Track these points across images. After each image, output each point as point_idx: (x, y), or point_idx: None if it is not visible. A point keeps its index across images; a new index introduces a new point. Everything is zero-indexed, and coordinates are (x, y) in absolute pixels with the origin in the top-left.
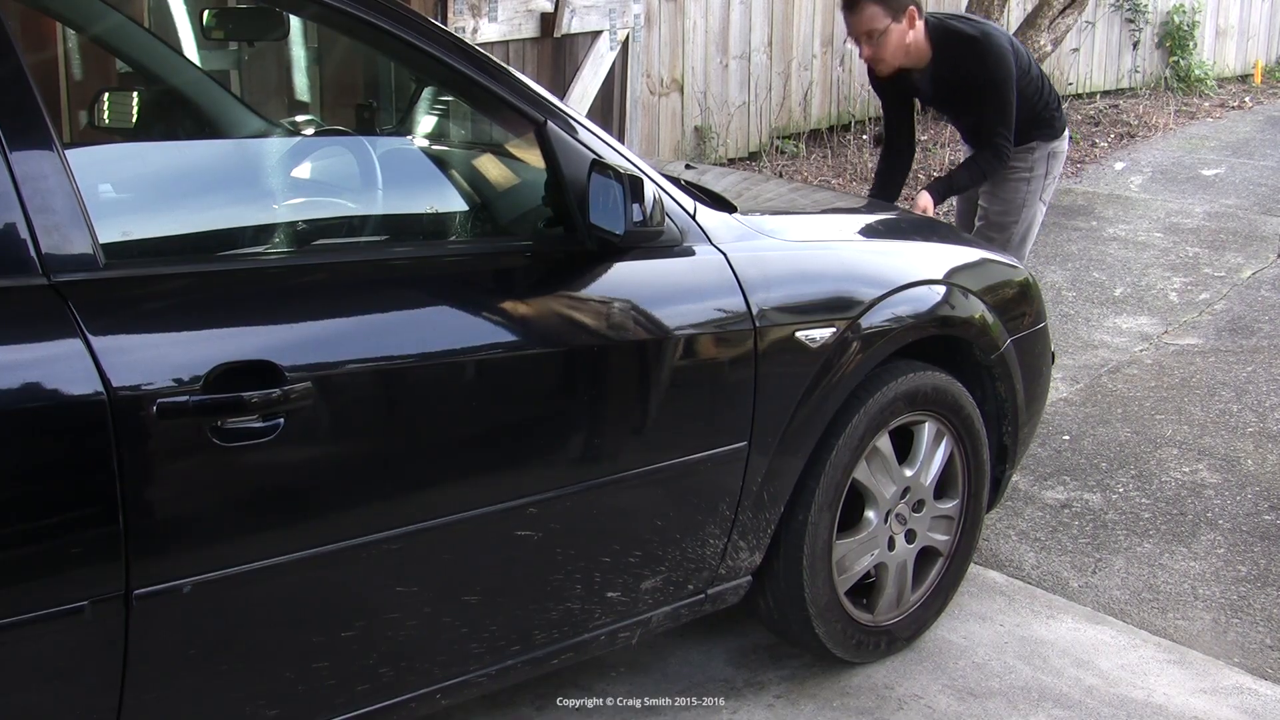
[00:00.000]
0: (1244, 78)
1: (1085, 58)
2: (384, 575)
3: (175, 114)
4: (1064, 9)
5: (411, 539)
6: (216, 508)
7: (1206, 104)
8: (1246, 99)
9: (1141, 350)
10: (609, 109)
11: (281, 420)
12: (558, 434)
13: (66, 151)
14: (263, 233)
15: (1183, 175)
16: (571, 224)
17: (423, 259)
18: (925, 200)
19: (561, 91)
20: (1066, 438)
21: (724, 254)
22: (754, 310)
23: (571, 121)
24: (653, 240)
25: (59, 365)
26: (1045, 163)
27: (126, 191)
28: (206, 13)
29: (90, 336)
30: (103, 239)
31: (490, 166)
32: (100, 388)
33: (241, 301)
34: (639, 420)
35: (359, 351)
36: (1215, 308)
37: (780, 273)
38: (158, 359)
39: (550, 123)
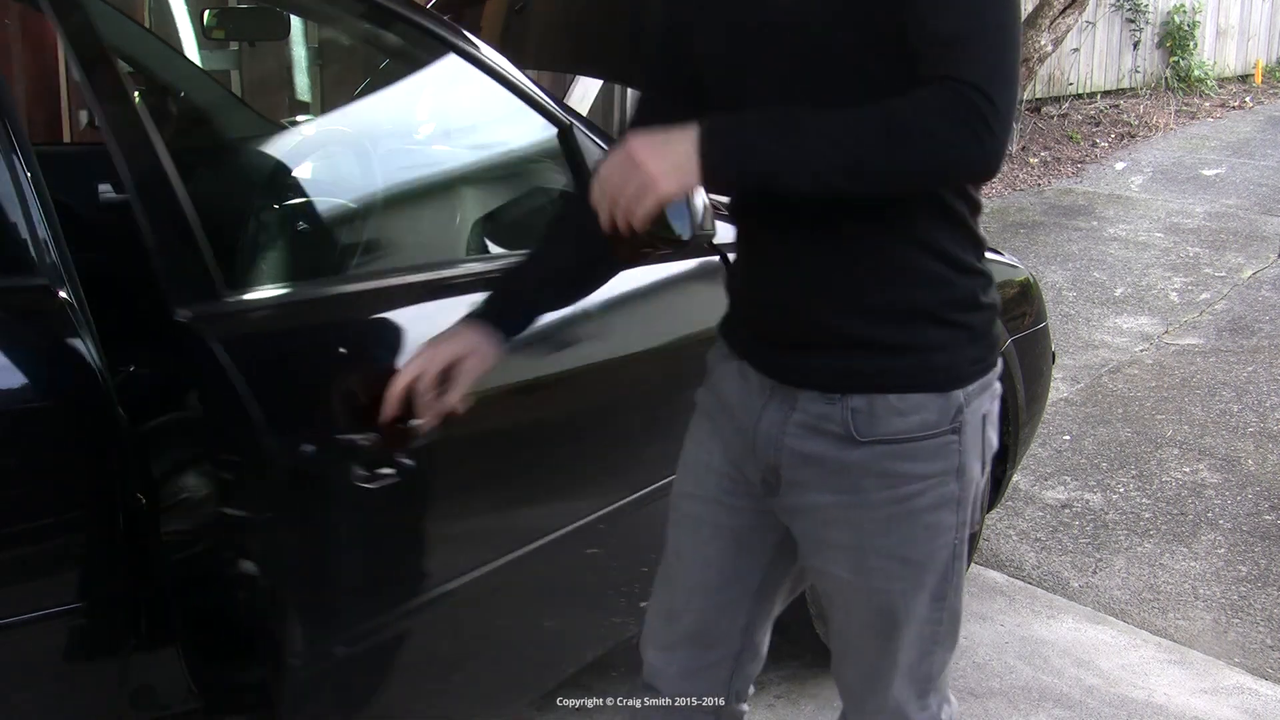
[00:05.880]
0: (1244, 78)
1: (1085, 58)
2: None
3: (174, 114)
4: (1064, 9)
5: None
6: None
7: (1207, 104)
8: (1247, 99)
9: (1142, 350)
10: (609, 109)
11: None
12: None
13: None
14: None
15: (1183, 175)
16: None
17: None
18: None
19: (562, 92)
20: (1067, 438)
21: (724, 254)
22: None
23: (591, 129)
24: (707, 242)
25: (60, 365)
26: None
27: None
28: (207, 13)
29: (90, 336)
30: None
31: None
32: (102, 387)
33: None
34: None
35: None
36: (1216, 308)
37: None
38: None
39: (575, 128)
